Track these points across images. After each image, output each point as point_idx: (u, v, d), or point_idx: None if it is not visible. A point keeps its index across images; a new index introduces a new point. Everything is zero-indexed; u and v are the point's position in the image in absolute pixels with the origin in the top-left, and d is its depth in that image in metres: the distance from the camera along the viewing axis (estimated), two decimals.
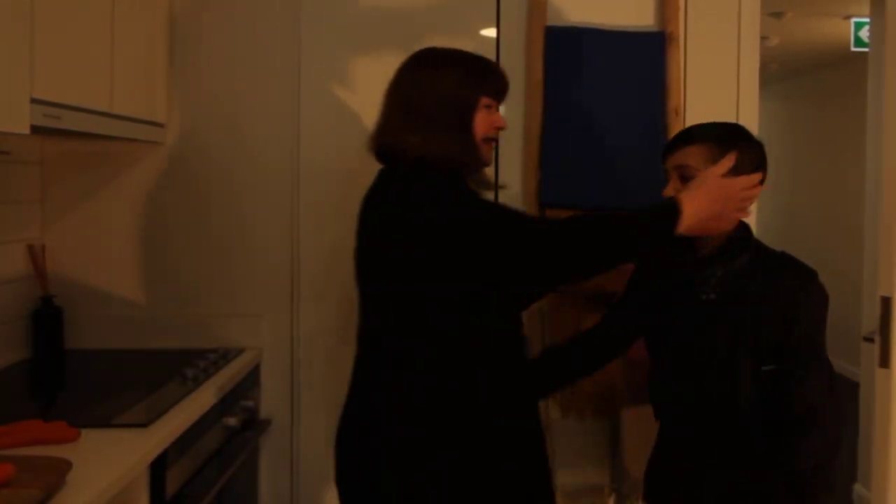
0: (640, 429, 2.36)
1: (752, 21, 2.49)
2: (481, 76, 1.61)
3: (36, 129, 1.65)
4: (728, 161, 1.57)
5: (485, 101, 1.59)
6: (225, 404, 2.06)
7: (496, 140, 1.65)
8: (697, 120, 2.44)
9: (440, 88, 1.57)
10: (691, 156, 1.62)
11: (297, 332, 2.42)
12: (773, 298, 1.61)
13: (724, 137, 1.63)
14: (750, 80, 2.49)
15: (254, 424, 2.28)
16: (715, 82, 2.47)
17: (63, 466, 1.32)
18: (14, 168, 2.26)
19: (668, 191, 1.65)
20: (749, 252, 1.67)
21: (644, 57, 2.41)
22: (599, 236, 1.50)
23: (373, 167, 2.40)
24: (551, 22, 2.39)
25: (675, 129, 2.39)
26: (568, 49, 2.37)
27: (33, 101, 1.62)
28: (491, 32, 2.42)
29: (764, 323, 1.61)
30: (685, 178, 1.62)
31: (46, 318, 2.30)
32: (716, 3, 2.47)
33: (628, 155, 2.37)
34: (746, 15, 2.49)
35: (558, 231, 1.50)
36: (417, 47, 2.38)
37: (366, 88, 2.42)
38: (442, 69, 1.60)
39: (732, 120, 2.48)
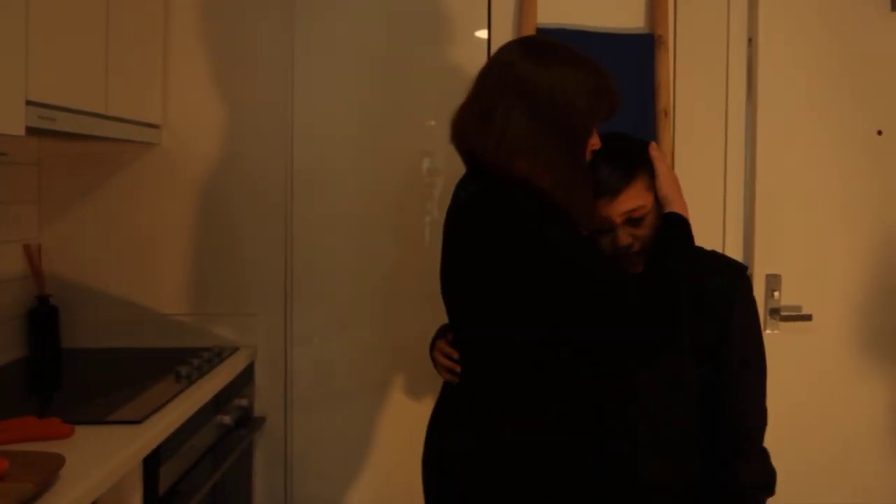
0: None
1: (741, 23, 2.51)
2: (604, 94, 1.44)
3: (31, 131, 1.67)
4: (658, 151, 1.54)
5: (595, 127, 1.45)
6: (219, 402, 2.08)
7: None
8: (687, 122, 2.50)
9: (574, 100, 1.40)
10: (636, 196, 1.49)
11: (290, 331, 2.44)
12: (711, 294, 1.58)
13: (642, 155, 1.53)
14: (738, 81, 2.52)
15: (248, 422, 2.30)
16: (704, 84, 2.50)
17: (56, 461, 1.34)
18: (11, 169, 2.29)
19: (623, 239, 1.50)
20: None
21: (634, 59, 2.43)
22: (675, 288, 1.35)
23: (366, 167, 2.44)
24: (542, 24, 2.41)
25: (665, 130, 2.43)
26: None
27: (28, 103, 1.64)
28: (482, 34, 2.45)
29: (707, 320, 1.57)
30: (636, 220, 1.50)
31: (42, 317, 2.33)
32: (705, 5, 2.50)
33: None
34: (735, 17, 2.51)
35: (644, 295, 1.33)
36: (410, 49, 2.44)
37: (357, 89, 2.45)
38: (574, 75, 1.42)
39: (720, 120, 2.53)
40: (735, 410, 1.60)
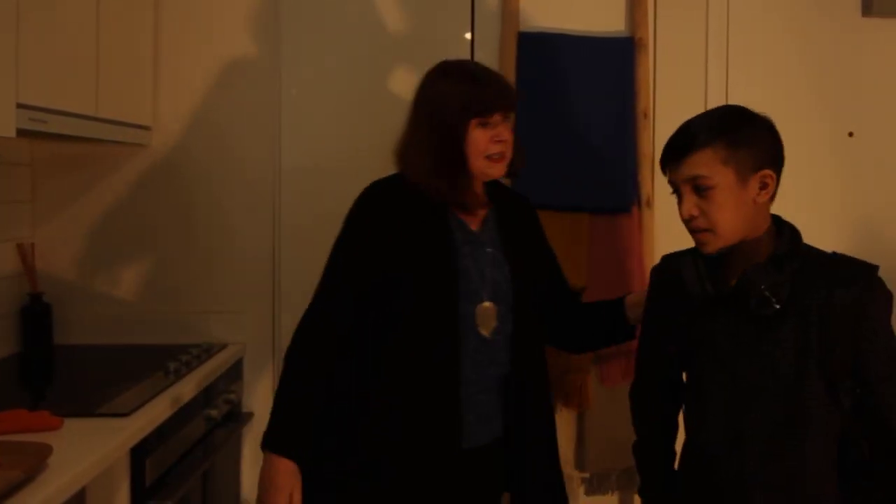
0: (607, 421, 2.44)
1: (720, 26, 2.57)
2: (466, 96, 1.62)
3: (22, 133, 1.72)
4: None
5: (476, 122, 1.62)
6: (207, 397, 2.13)
7: (503, 153, 1.66)
8: (666, 122, 2.55)
9: (435, 107, 1.66)
10: (701, 164, 1.41)
11: (278, 328, 2.49)
12: (835, 304, 1.41)
13: (730, 130, 1.42)
14: (717, 83, 2.57)
15: (236, 417, 2.36)
16: (683, 85, 2.56)
17: (44, 451, 1.39)
18: (4, 169, 2.34)
19: (686, 209, 1.44)
20: (799, 258, 1.45)
21: (614, 61, 2.48)
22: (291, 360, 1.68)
23: (352, 167, 2.49)
24: (524, 28, 2.46)
25: (644, 131, 2.48)
26: (540, 54, 2.45)
27: (19, 105, 1.69)
28: (466, 38, 2.50)
29: (830, 334, 1.41)
30: (701, 188, 1.41)
31: (35, 314, 2.38)
32: (684, 9, 2.56)
33: (598, 156, 2.44)
34: (714, 20, 2.57)
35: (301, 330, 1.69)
36: (394, 53, 2.49)
37: (344, 91, 2.50)
38: (436, 88, 1.68)
39: None
40: (885, 428, 1.44)
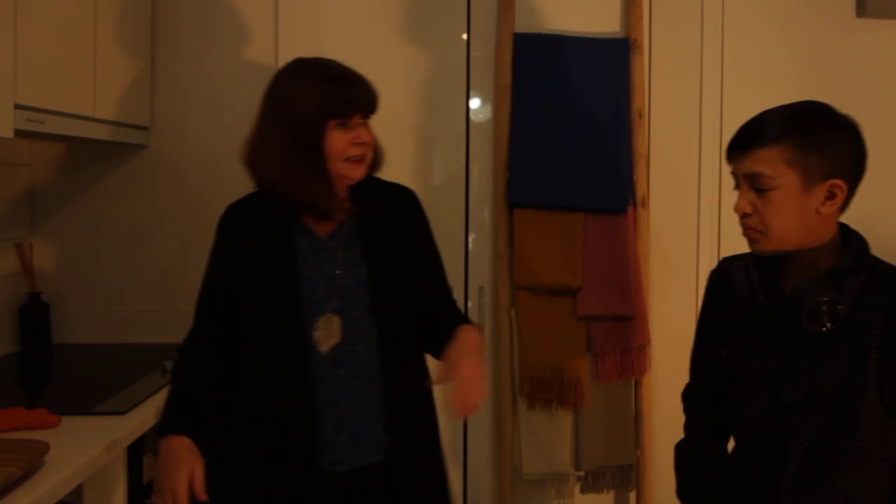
0: (602, 420, 2.46)
1: (715, 27, 2.58)
2: (325, 96, 1.53)
3: (20, 133, 1.74)
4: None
5: (334, 123, 1.53)
6: None
7: (363, 156, 1.57)
8: (661, 122, 2.57)
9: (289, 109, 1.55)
10: (764, 161, 1.30)
11: None
12: None
13: (803, 130, 1.30)
14: (712, 83, 2.59)
15: None
16: (678, 86, 2.58)
17: (41, 448, 1.41)
18: (2, 169, 2.35)
19: (740, 205, 1.35)
20: (864, 274, 1.33)
21: (609, 62, 2.50)
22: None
23: None
24: (520, 29, 2.48)
25: (639, 131, 2.49)
26: (536, 55, 2.47)
27: (17, 106, 1.71)
28: (462, 39, 2.51)
29: (892, 358, 1.30)
30: (759, 187, 1.32)
31: (34, 313, 2.40)
32: (679, 10, 2.58)
33: (594, 156, 2.46)
34: (709, 21, 2.59)
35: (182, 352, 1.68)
36: (391, 54, 2.51)
37: None
38: (292, 87, 1.56)
39: (695, 121, 2.59)
40: None
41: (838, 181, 1.31)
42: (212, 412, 1.59)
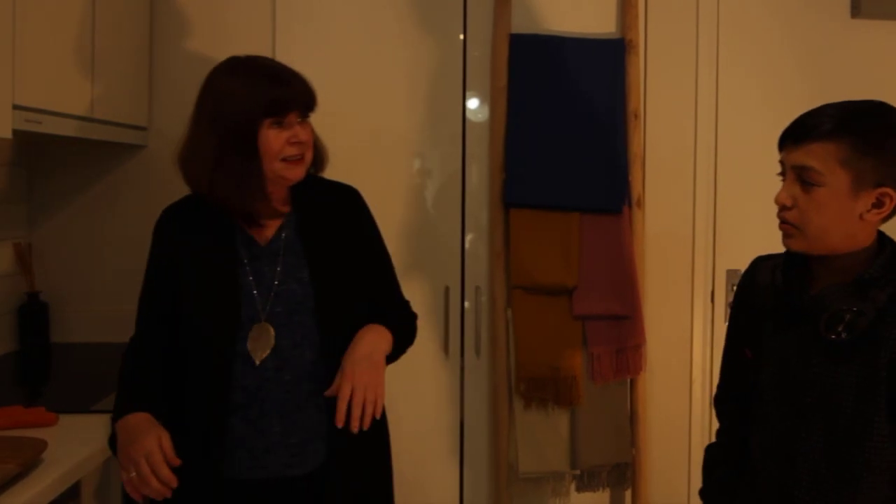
0: (597, 418, 2.47)
1: (710, 27, 2.60)
2: (259, 94, 1.47)
3: (18, 134, 1.75)
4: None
5: (269, 122, 1.47)
6: None
7: (301, 155, 1.51)
8: (657, 123, 2.59)
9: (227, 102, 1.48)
10: (817, 156, 1.25)
11: None
12: None
13: (864, 131, 1.24)
14: (708, 83, 2.60)
15: None
16: (673, 86, 2.59)
17: (39, 445, 1.42)
18: (1, 169, 2.37)
19: (782, 196, 1.31)
20: (892, 286, 1.27)
21: (605, 62, 2.51)
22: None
23: (344, 167, 2.51)
24: (516, 30, 2.49)
25: (635, 131, 2.51)
26: (532, 56, 2.48)
27: (15, 107, 1.72)
28: (459, 40, 2.53)
29: None
30: (807, 182, 1.27)
31: (32, 312, 2.41)
32: (674, 11, 2.59)
33: (589, 156, 2.47)
34: (704, 22, 2.60)
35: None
36: (387, 55, 2.52)
37: (336, 92, 2.52)
38: (224, 85, 1.50)
39: (690, 122, 2.61)
40: None
41: (889, 190, 1.26)
42: (160, 411, 1.50)
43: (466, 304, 2.53)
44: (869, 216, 1.27)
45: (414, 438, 2.50)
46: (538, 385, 2.43)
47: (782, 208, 1.31)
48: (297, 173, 1.52)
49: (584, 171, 2.46)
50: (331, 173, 2.54)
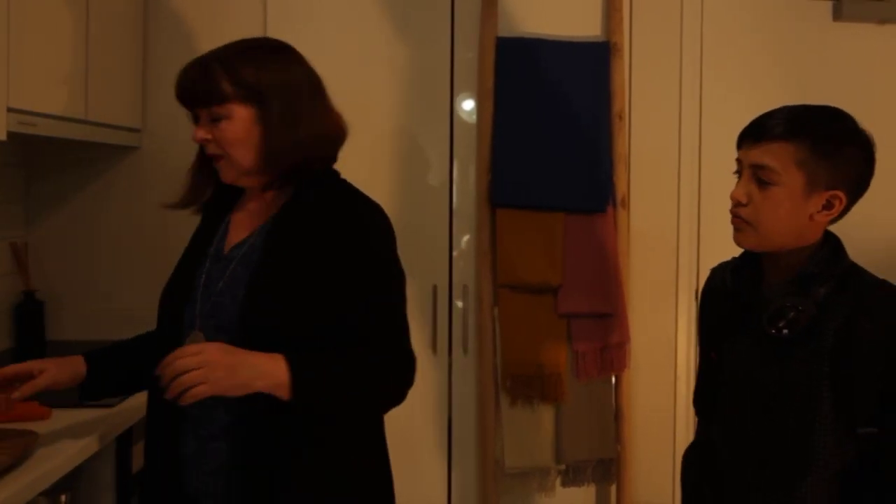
0: (582, 414, 2.51)
1: (694, 30, 2.64)
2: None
3: (12, 136, 1.79)
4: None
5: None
6: None
7: (214, 155, 1.44)
8: (641, 124, 2.63)
9: None
10: (774, 155, 1.29)
11: None
12: (860, 338, 1.25)
13: (822, 135, 1.28)
14: (691, 85, 2.65)
15: None
16: (658, 88, 2.64)
17: (30, 437, 1.47)
18: None
19: (737, 193, 1.34)
20: (834, 281, 1.30)
21: (590, 65, 2.56)
22: None
23: (341, 169, 2.56)
24: (503, 33, 2.54)
25: (620, 132, 2.55)
26: (518, 58, 2.52)
27: (9, 109, 1.75)
28: (446, 42, 2.57)
29: (859, 371, 1.26)
30: (763, 180, 1.30)
31: (29, 311, 2.46)
32: (659, 14, 2.64)
33: (575, 157, 2.51)
34: (688, 25, 2.64)
35: None
36: (376, 58, 2.56)
37: (330, 92, 2.56)
38: None
39: (674, 123, 2.65)
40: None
41: (840, 193, 1.30)
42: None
43: (460, 304, 2.57)
44: (818, 217, 1.31)
45: (402, 435, 2.52)
46: (524, 382, 2.47)
47: (737, 204, 1.35)
48: (221, 174, 1.43)
49: (569, 172, 2.51)
50: None
